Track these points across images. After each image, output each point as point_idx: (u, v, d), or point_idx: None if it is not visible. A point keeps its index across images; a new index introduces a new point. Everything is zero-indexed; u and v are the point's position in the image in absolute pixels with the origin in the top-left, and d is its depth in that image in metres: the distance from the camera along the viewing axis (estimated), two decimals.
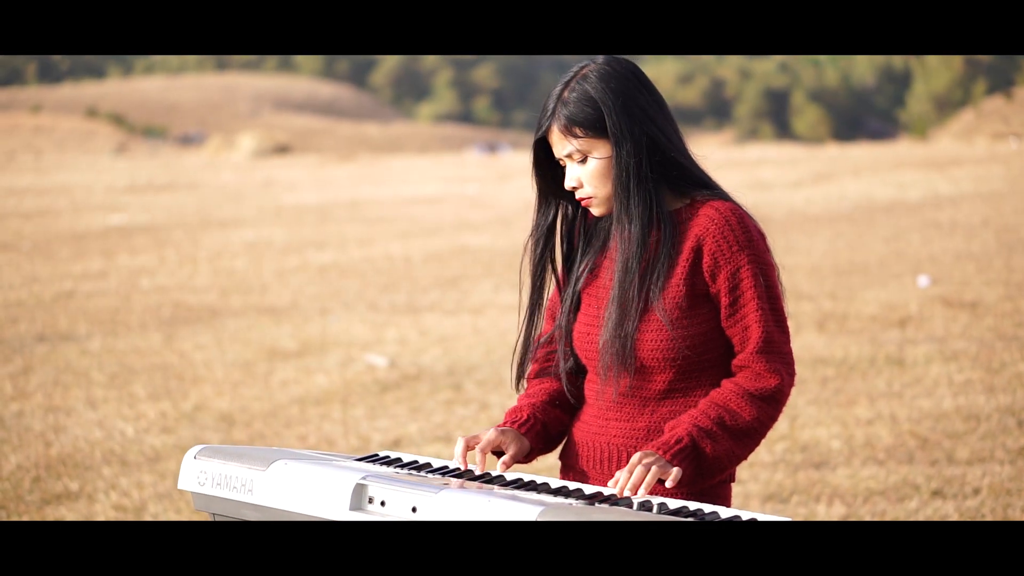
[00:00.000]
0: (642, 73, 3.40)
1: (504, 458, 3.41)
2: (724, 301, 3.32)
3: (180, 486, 3.26)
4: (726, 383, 3.31)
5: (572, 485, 3.26)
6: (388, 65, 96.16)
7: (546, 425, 3.50)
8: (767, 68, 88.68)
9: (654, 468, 3.15)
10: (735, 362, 3.33)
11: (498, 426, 3.48)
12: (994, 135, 40.97)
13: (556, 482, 3.29)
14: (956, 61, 70.35)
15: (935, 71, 72.50)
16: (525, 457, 3.49)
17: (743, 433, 3.27)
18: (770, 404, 3.29)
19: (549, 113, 3.40)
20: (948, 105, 68.71)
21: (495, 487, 3.19)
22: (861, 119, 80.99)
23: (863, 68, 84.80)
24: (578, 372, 3.53)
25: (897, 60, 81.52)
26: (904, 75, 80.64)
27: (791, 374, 3.32)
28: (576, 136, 3.37)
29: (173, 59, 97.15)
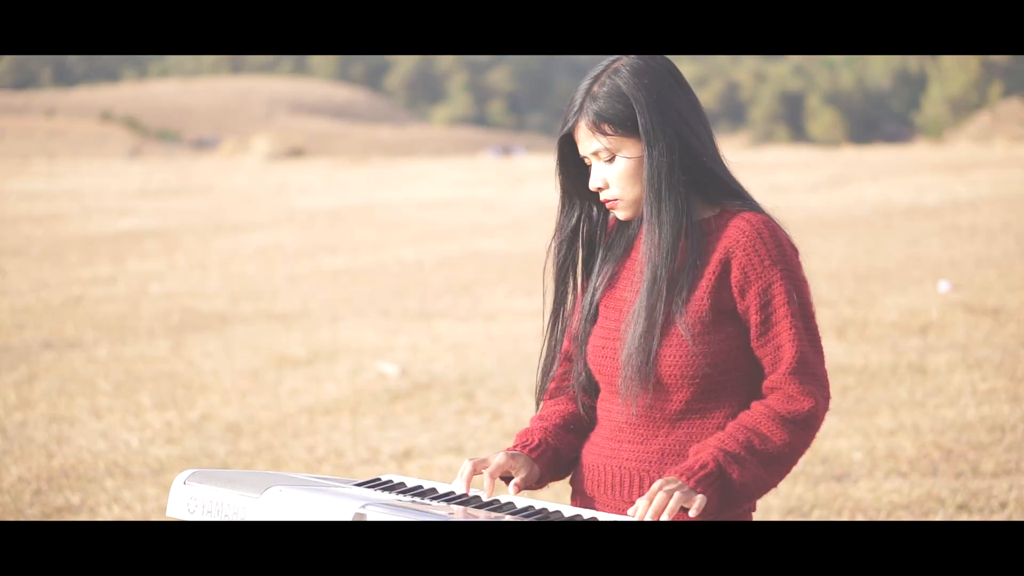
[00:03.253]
0: (677, 70, 3.20)
1: (515, 480, 3.22)
2: (754, 319, 3.12)
3: (168, 514, 3.08)
4: (756, 405, 3.10)
5: (587, 513, 3.06)
6: (403, 68, 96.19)
7: (558, 451, 3.30)
8: (782, 71, 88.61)
9: (677, 495, 2.95)
10: (766, 383, 3.12)
11: (508, 449, 3.28)
12: (1011, 138, 40.76)
13: (569, 509, 3.09)
14: (972, 63, 70.20)
15: (951, 73, 72.36)
16: (536, 483, 3.30)
17: (773, 459, 3.06)
18: (803, 429, 3.08)
19: (576, 108, 3.19)
20: (964, 108, 68.56)
21: (504, 516, 3.00)
22: (876, 122, 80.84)
23: (878, 71, 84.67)
24: (591, 386, 3.33)
25: (912, 62, 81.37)
26: (919, 78, 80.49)
27: (826, 397, 3.11)
28: (605, 133, 3.16)
29: (187, 62, 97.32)
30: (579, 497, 3.31)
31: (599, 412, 3.30)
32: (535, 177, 30.37)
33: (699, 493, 2.98)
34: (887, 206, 21.33)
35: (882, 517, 6.78)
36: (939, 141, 47.68)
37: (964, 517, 6.74)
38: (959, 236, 17.23)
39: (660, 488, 2.96)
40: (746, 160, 31.82)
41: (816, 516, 6.83)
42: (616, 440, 3.23)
